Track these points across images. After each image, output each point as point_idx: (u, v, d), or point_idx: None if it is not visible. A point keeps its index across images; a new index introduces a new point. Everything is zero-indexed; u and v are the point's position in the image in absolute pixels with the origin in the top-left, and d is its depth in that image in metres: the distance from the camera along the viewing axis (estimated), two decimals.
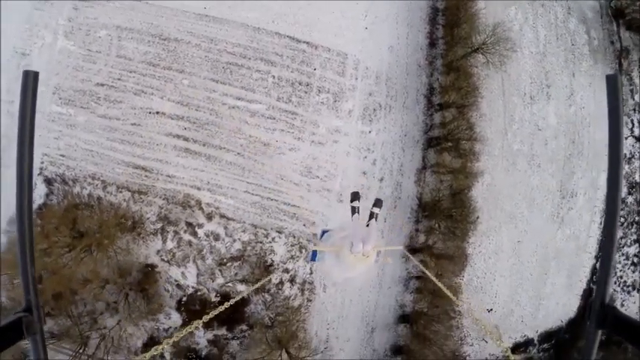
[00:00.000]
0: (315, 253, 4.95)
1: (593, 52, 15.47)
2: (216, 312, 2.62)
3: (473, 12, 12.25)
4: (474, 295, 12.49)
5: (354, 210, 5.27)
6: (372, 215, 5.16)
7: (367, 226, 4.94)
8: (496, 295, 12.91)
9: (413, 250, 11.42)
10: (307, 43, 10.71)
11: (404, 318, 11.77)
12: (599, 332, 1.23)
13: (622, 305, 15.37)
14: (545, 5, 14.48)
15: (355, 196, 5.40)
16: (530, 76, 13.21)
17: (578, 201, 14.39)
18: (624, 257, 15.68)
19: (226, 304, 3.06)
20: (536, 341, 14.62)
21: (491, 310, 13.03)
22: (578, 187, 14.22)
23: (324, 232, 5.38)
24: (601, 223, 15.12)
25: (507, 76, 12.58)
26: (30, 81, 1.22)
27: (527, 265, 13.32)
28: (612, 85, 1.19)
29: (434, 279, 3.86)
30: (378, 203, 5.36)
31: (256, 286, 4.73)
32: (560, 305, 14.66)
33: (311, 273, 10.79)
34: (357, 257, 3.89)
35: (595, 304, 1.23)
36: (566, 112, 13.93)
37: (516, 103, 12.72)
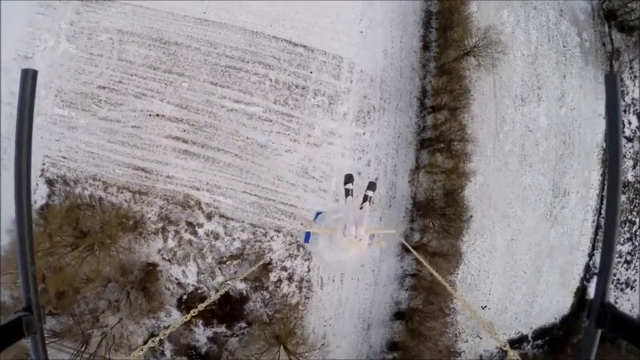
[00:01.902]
0: (308, 234, 5.00)
1: (585, 53, 15.78)
2: (210, 301, 2.80)
3: (466, 15, 12.55)
4: (468, 292, 12.78)
5: (347, 192, 5.16)
6: (365, 198, 5.07)
7: (361, 209, 4.88)
8: (490, 293, 13.20)
9: (408, 248, 11.69)
10: (304, 46, 11.00)
11: (399, 315, 12.04)
12: (599, 331, 1.23)
13: (615, 302, 15.67)
14: (538, 8, 14.80)
15: (349, 179, 5.40)
16: (521, 78, 13.52)
17: (570, 200, 14.69)
18: (617, 255, 15.99)
19: (219, 293, 3.31)
20: (530, 338, 14.90)
21: (486, 307, 13.31)
22: (571, 186, 14.52)
23: (318, 213, 5.42)
24: (594, 222, 15.43)
25: (499, 78, 12.88)
26: (29, 80, 1.21)
27: (520, 263, 13.60)
28: (611, 84, 1.17)
29: (428, 265, 3.94)
30: (371, 186, 5.40)
31: (245, 274, 4.90)
32: (554, 302, 14.95)
33: (308, 271, 11.07)
34: (350, 240, 3.99)
35: (595, 304, 1.23)
36: (557, 114, 14.24)
37: (508, 105, 13.03)
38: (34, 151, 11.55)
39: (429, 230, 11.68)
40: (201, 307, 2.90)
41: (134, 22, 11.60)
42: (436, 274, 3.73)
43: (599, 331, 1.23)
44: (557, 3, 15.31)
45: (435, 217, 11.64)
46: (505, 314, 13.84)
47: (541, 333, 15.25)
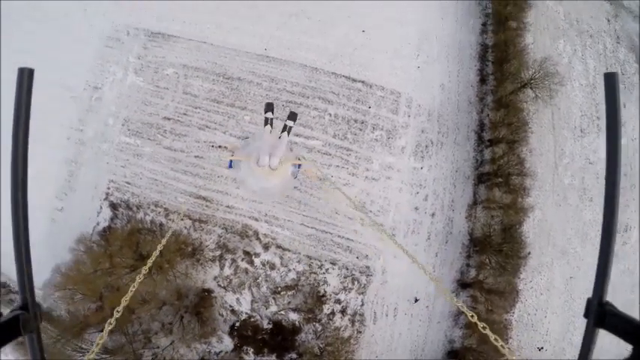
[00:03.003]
0: (231, 162, 4.80)
1: None
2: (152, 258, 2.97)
3: (521, 47, 12.41)
4: (524, 332, 12.18)
5: (266, 121, 4.96)
6: (284, 128, 4.86)
7: (279, 138, 4.71)
8: (547, 333, 12.52)
9: (464, 284, 11.38)
10: (362, 82, 11.22)
11: (453, 354, 11.62)
12: (597, 331, 1.22)
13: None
14: (594, 36, 14.41)
15: (269, 107, 5.04)
16: (580, 108, 13.09)
17: (632, 235, 13.84)
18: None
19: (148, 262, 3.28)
20: None
21: (542, 348, 12.61)
22: (633, 220, 13.70)
23: (245, 138, 5.23)
24: None
25: (557, 109, 12.53)
26: (25, 78, 1.19)
27: (579, 302, 12.85)
28: (611, 83, 1.15)
29: (411, 257, 3.36)
30: (292, 116, 5.01)
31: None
32: (614, 344, 13.90)
33: (362, 305, 10.97)
34: (265, 170, 3.82)
35: (593, 303, 1.22)
36: None
37: (567, 137, 12.61)
38: (100, 175, 12.22)
39: (485, 267, 11.33)
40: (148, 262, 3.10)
41: (198, 57, 12.28)
42: (417, 262, 3.18)
43: (598, 331, 1.21)
44: (613, 30, 14.86)
45: (492, 253, 11.28)
46: (563, 356, 13.04)
47: None
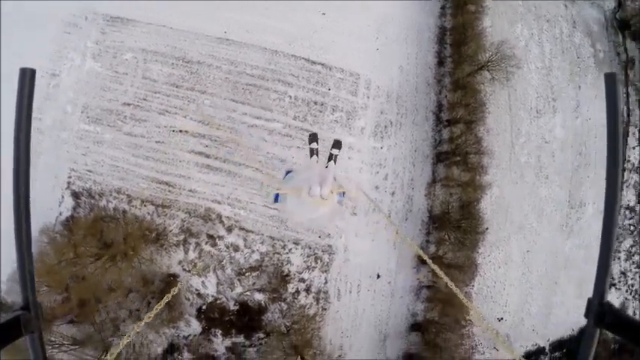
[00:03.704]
0: (277, 195, 4.94)
1: (599, 64, 15.79)
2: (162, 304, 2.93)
3: (479, 30, 12.74)
4: (484, 304, 12.77)
5: (312, 152, 5.10)
6: (330, 157, 5.02)
7: (326, 167, 4.85)
8: (506, 304, 13.16)
9: (424, 260, 11.78)
10: (322, 64, 11.32)
11: (416, 326, 12.10)
12: (598, 331, 1.23)
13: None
14: (551, 21, 14.91)
15: (313, 138, 5.21)
16: (536, 90, 13.59)
17: (587, 211, 14.60)
18: (635, 266, 15.77)
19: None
20: (547, 350, 14.74)
21: (502, 319, 13.27)
22: (587, 197, 14.45)
23: (287, 172, 5.32)
24: None
25: (514, 91, 12.99)
26: (27, 79, 1.21)
27: (536, 274, 13.55)
28: (611, 83, 1.16)
29: (443, 276, 3.58)
30: (337, 145, 5.18)
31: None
32: (571, 314, 14.78)
33: (326, 282, 11.24)
34: (316, 200, 3.86)
35: (593, 303, 1.23)
36: (572, 124, 14.24)
37: (523, 117, 13.11)
38: (60, 165, 12.00)
39: (444, 243, 11.77)
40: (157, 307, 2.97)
41: (157, 41, 12.07)
42: (453, 286, 3.44)
43: (598, 330, 1.23)
44: (570, 15, 15.40)
45: (451, 229, 11.72)
46: (522, 326, 13.76)
47: (558, 345, 15.07)
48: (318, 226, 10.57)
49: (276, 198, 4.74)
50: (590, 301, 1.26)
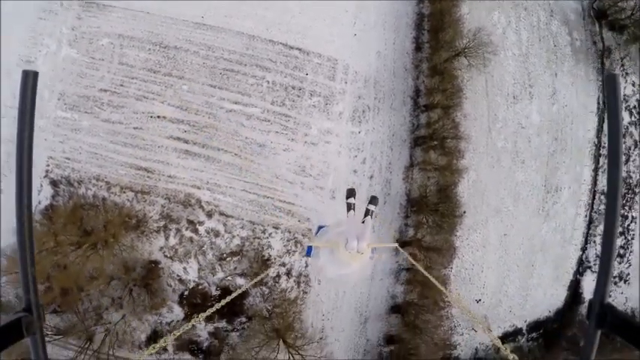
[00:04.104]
0: (310, 248, 4.99)
1: (576, 52, 16.13)
2: (217, 306, 2.78)
3: (457, 17, 12.89)
4: (462, 286, 13.11)
5: (349, 207, 5.12)
6: (367, 212, 4.99)
7: (362, 222, 4.84)
8: (484, 287, 13.53)
9: (403, 243, 12.03)
10: (299, 49, 11.35)
11: (395, 308, 12.37)
12: (599, 332, 1.21)
13: (610, 296, 15.99)
14: (528, 9, 15.16)
15: (351, 193, 5.20)
16: (513, 76, 13.86)
17: (562, 195, 15.03)
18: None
19: (226, 300, 3.01)
20: (524, 331, 15.23)
21: (480, 300, 13.65)
22: (563, 182, 14.86)
23: (319, 227, 5.43)
24: (586, 216, 15.76)
25: (491, 77, 13.23)
26: (30, 80, 1.21)
27: (513, 257, 13.94)
28: (612, 84, 1.15)
29: (425, 272, 4.00)
30: (374, 200, 5.34)
31: (255, 280, 4.96)
32: (548, 296, 15.28)
33: (306, 266, 11.40)
34: (352, 254, 3.86)
35: (595, 304, 1.21)
36: (548, 111, 14.59)
37: (500, 103, 13.37)
38: (38, 153, 11.85)
39: (422, 226, 12.02)
40: (208, 311, 2.95)
41: (134, 26, 11.93)
42: (430, 277, 3.80)
43: (599, 332, 1.22)
44: (547, 4, 15.67)
45: (429, 212, 11.97)
46: (499, 307, 14.17)
47: (535, 326, 15.58)
48: (347, 282, 10.57)
49: (309, 251, 4.82)
50: (591, 303, 1.25)
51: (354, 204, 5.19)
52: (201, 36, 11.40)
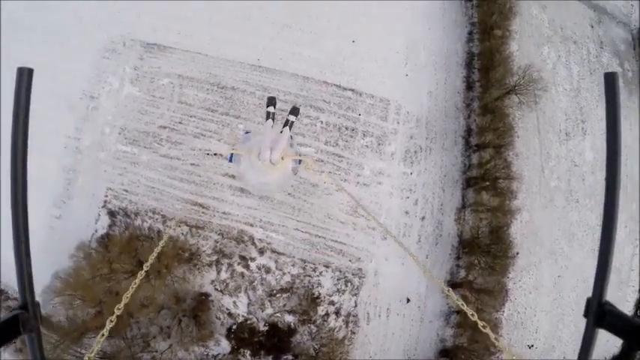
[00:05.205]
0: (232, 155, 4.86)
1: (628, 83, 15.60)
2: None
3: (506, 55, 12.83)
4: (514, 330, 12.54)
5: (268, 115, 4.92)
6: (286, 122, 4.87)
7: (281, 132, 4.64)
8: (537, 331, 12.88)
9: (454, 284, 11.73)
10: (352, 90, 11.60)
11: (444, 352, 11.95)
12: (597, 331, 1.21)
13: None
14: (578, 42, 14.87)
15: (271, 102, 5.03)
16: (564, 112, 13.51)
17: (618, 235, 14.21)
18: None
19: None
20: None
21: (532, 346, 12.97)
22: (619, 220, 14.11)
23: (246, 132, 5.20)
24: None
25: (542, 114, 12.95)
26: (24, 78, 1.19)
27: (568, 300, 13.24)
28: (611, 83, 1.13)
29: (472, 315, 3.58)
30: (294, 111, 5.01)
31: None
32: (604, 341, 14.22)
33: (355, 306, 11.29)
34: (265, 164, 3.76)
35: (593, 302, 1.22)
36: (602, 147, 14.04)
37: (552, 140, 13.02)
38: (98, 184, 12.49)
39: (474, 267, 11.69)
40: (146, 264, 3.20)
41: (193, 68, 12.60)
42: (443, 286, 3.26)
43: (597, 331, 1.21)
44: (597, 35, 15.34)
45: (481, 254, 11.65)
46: (553, 353, 13.40)
47: None
48: (269, 191, 10.15)
49: (231, 158, 4.72)
50: (589, 301, 1.25)
51: (273, 113, 4.99)
52: (257, 77, 11.88)
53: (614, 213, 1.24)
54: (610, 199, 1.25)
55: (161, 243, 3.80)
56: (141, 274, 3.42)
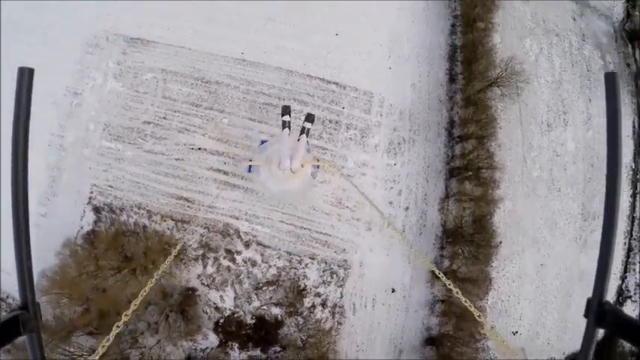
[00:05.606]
0: (250, 166, 4.91)
1: None
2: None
3: (489, 47, 12.97)
4: (498, 318, 12.77)
5: (284, 124, 5.02)
6: (303, 130, 4.96)
7: (298, 141, 4.76)
8: (521, 318, 13.14)
9: None
10: (336, 83, 11.65)
11: (430, 340, 12.14)
12: (597, 331, 1.23)
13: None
14: (560, 34, 15.08)
15: (285, 110, 5.12)
16: (546, 104, 13.73)
17: (600, 223, 14.55)
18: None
19: None
20: None
21: (517, 332, 13.24)
22: (600, 209, 14.41)
23: (262, 142, 5.25)
24: (625, 244, 15.20)
25: (524, 105, 13.15)
26: (25, 78, 1.18)
27: (551, 287, 13.52)
28: (611, 83, 1.14)
29: (461, 297, 3.74)
30: (309, 118, 5.11)
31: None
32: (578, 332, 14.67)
33: (341, 297, 11.40)
34: (286, 173, 3.86)
35: (593, 302, 1.22)
36: (584, 137, 14.31)
37: (534, 131, 13.24)
38: (82, 180, 12.44)
39: (458, 257, 11.87)
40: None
41: (177, 62, 12.53)
42: (468, 303, 3.38)
43: (598, 331, 1.23)
44: (579, 28, 15.57)
45: (465, 243, 11.83)
46: (537, 340, 13.69)
47: (574, 358, 14.92)
48: (291, 198, 10.14)
49: (249, 169, 4.79)
50: (589, 301, 1.26)
51: (289, 122, 5.05)
52: (241, 71, 11.87)
53: (615, 214, 1.25)
54: (610, 200, 1.26)
55: (174, 252, 3.79)
56: (151, 282, 3.41)
